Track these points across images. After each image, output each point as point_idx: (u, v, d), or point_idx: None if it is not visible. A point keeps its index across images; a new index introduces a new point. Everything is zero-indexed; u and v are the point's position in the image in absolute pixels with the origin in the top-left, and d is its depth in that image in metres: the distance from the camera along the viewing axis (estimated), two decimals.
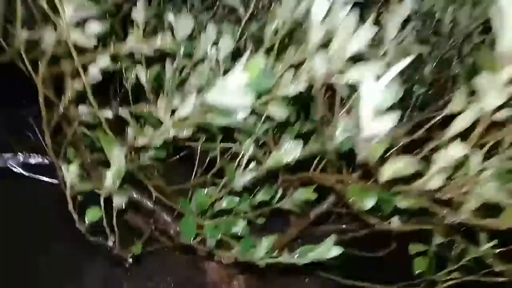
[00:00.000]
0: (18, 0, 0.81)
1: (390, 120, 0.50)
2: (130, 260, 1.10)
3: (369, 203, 0.80)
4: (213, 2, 1.28)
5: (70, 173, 0.77)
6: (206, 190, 0.96)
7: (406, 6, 0.82)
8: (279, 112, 0.77)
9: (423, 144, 0.82)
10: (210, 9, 1.27)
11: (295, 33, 0.83)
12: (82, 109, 0.86)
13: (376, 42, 0.86)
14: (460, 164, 0.70)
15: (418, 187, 0.69)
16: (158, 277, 1.53)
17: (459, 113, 0.69)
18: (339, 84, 0.71)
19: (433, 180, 0.66)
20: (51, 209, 1.34)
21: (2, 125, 1.72)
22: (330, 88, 0.76)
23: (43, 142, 1.09)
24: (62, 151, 1.04)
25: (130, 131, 0.83)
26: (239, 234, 0.97)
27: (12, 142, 1.48)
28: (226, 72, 0.89)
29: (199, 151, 1.10)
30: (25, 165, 1.40)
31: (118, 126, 0.94)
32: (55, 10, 0.80)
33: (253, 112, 0.80)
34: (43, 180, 1.40)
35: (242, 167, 0.91)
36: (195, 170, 1.19)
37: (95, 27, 0.81)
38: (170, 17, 0.86)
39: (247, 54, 0.63)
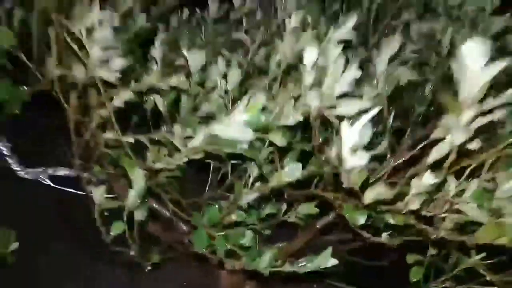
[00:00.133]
0: (52, 39, 0.93)
1: (364, 157, 0.60)
2: (149, 267, 1.21)
3: (361, 219, 0.90)
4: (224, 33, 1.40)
5: (98, 193, 0.89)
6: (216, 205, 1.07)
7: (395, 43, 0.91)
8: (279, 139, 0.87)
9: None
10: (221, 38, 1.38)
11: (294, 69, 0.93)
12: (107, 135, 0.97)
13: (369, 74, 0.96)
14: (439, 187, 0.80)
15: (400, 207, 0.78)
16: (174, 282, 1.65)
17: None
18: (331, 116, 0.81)
19: (412, 202, 0.76)
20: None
21: (32, 141, 1.85)
22: (324, 119, 0.86)
23: (70, 157, 1.23)
24: (89, 167, 1.17)
25: (149, 156, 0.94)
26: (246, 245, 1.07)
27: (41, 156, 1.60)
28: (234, 100, 1.00)
29: (211, 168, 1.22)
30: (54, 178, 1.53)
31: (138, 145, 1.06)
32: (82, 47, 0.92)
33: (258, 138, 0.90)
34: (70, 191, 1.53)
35: (249, 186, 1.01)
36: (208, 185, 1.30)
37: (118, 63, 0.92)
38: (184, 52, 0.97)
39: (248, 95, 0.73)
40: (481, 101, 0.71)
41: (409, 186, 0.78)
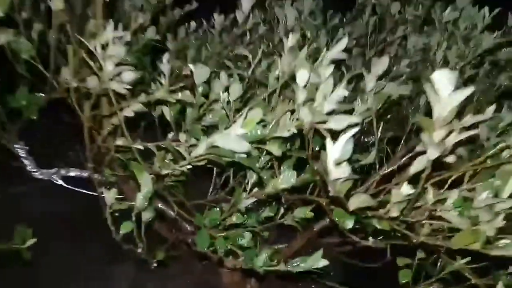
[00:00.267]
0: (70, 55, 1.02)
1: (347, 170, 0.69)
2: (155, 263, 1.30)
3: (349, 224, 0.98)
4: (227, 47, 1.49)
5: (110, 196, 0.98)
6: (217, 208, 1.15)
7: (384, 62, 0.99)
8: (275, 150, 0.95)
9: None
10: (225, 51, 1.46)
11: (291, 84, 1.01)
12: (118, 141, 1.06)
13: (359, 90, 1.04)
14: (419, 196, 0.88)
15: (382, 214, 0.86)
16: (178, 279, 1.74)
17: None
18: (322, 130, 0.89)
19: (393, 210, 0.83)
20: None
21: (45, 143, 1.94)
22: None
23: (82, 160, 1.32)
24: (101, 170, 1.26)
25: (156, 162, 1.03)
26: (245, 245, 1.15)
27: (54, 157, 1.70)
28: (236, 110, 1.09)
29: (215, 173, 1.31)
30: (66, 178, 1.62)
31: (146, 150, 1.14)
32: (96, 61, 1.00)
33: (256, 147, 0.98)
34: (81, 192, 1.63)
35: (248, 191, 1.10)
36: (211, 188, 1.39)
37: (129, 76, 1.01)
38: (190, 67, 1.05)
39: (246, 109, 0.82)
40: (460, 119, 0.79)
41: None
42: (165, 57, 1.03)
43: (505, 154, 0.99)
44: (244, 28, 1.46)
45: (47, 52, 1.19)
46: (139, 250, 1.16)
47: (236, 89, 1.05)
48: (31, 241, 1.26)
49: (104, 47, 0.97)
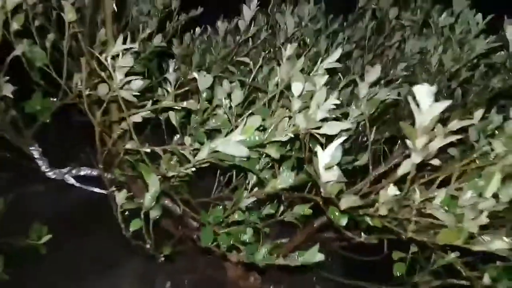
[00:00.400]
0: (83, 65, 1.09)
1: (336, 174, 0.76)
2: (162, 258, 1.38)
3: (344, 221, 1.05)
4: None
5: (120, 197, 1.06)
6: (221, 206, 1.22)
7: (377, 71, 1.06)
8: (273, 152, 1.02)
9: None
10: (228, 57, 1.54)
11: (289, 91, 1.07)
12: (127, 145, 1.13)
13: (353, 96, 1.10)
14: (406, 195, 0.94)
15: (372, 212, 0.93)
16: (185, 273, 1.82)
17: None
18: (317, 135, 0.96)
19: (381, 209, 0.90)
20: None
21: (58, 145, 2.02)
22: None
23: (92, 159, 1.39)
24: (111, 170, 1.34)
25: (162, 164, 1.10)
26: (247, 241, 1.22)
27: (66, 159, 1.78)
28: (237, 115, 1.15)
29: (218, 172, 1.38)
30: (78, 177, 1.70)
31: (154, 151, 1.22)
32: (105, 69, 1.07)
33: (255, 150, 1.05)
34: (92, 191, 1.71)
35: (248, 190, 1.17)
36: (215, 186, 1.47)
37: (138, 84, 1.08)
38: (194, 74, 1.13)
39: (246, 115, 0.89)
40: (445, 125, 0.86)
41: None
42: (171, 65, 1.10)
43: (491, 156, 1.06)
44: (246, 35, 1.53)
45: (60, 58, 1.26)
46: (148, 246, 1.23)
47: (238, 95, 1.11)
48: (46, 237, 1.35)
49: (114, 57, 1.04)
